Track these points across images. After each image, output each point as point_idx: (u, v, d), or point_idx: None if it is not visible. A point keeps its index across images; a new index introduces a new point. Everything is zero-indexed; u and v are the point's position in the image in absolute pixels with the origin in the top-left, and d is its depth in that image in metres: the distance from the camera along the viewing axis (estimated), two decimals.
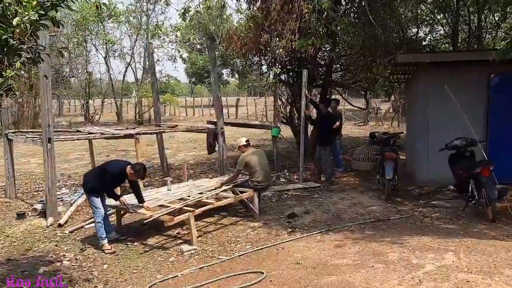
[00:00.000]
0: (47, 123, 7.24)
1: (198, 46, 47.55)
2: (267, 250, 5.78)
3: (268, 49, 10.36)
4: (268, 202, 8.34)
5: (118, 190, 6.94)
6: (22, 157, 14.97)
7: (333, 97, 14.09)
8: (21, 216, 7.61)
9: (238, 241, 6.25)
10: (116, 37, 30.03)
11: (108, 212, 6.70)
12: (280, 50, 9.11)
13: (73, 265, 5.61)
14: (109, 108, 32.21)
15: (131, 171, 6.14)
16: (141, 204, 6.38)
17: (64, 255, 5.97)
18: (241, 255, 5.66)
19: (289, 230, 6.61)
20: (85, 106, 31.44)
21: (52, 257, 5.90)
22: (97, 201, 6.19)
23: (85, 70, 31.52)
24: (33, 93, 23.73)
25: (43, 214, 7.52)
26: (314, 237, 6.18)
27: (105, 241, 6.13)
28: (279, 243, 5.98)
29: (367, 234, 6.22)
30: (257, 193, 7.31)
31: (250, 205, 7.24)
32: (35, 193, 9.61)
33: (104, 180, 6.14)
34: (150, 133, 8.57)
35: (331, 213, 7.45)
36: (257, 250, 5.78)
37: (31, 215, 7.76)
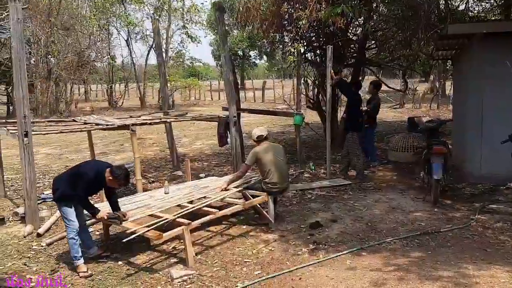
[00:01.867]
0: (22, 114, 6.08)
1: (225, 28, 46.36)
2: (279, 279, 4.44)
3: (291, 22, 8.90)
4: (287, 204, 6.98)
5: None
6: (34, 147, 14.09)
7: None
8: None
9: (246, 262, 4.93)
10: (137, 19, 28.94)
11: (88, 222, 5.51)
12: (303, 21, 7.60)
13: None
14: (135, 93, 31.35)
15: (110, 177, 4.86)
16: (116, 213, 5.08)
17: (30, 278, 4.80)
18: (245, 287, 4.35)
19: (311, 246, 5.24)
20: (108, 91, 30.73)
21: (14, 281, 4.75)
22: (70, 212, 4.96)
23: (108, 54, 30.71)
24: (53, 79, 23.05)
25: (25, 219, 6.43)
26: (342, 260, 4.79)
27: (80, 261, 4.92)
28: (296, 269, 4.62)
29: (413, 258, 4.77)
30: (272, 198, 5.95)
31: (264, 212, 5.90)
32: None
33: (77, 186, 4.89)
34: (149, 124, 7.29)
35: (364, 222, 6.03)
36: (267, 279, 4.45)
37: (11, 220, 6.69)
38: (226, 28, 36.95)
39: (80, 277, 4.79)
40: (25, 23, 22.38)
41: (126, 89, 30.70)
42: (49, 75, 22.49)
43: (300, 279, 4.39)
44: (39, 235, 5.99)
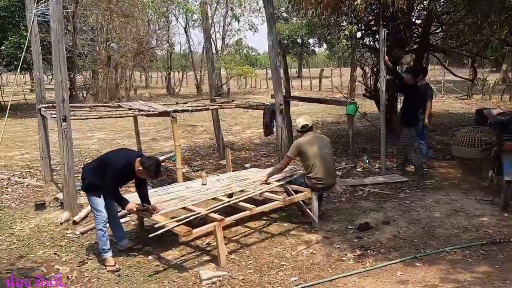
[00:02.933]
0: (60, 98, 5.91)
1: (284, 15, 45.54)
2: None
3: (347, 4, 8.21)
4: (336, 201, 6.41)
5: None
6: (90, 131, 14.40)
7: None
8: (40, 206, 6.48)
9: (283, 266, 4.45)
10: (195, 5, 28.87)
11: (121, 213, 5.26)
12: (359, 1, 6.91)
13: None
14: (193, 80, 31.51)
15: (140, 167, 4.54)
16: (146, 206, 4.77)
17: (58, 269, 4.62)
18: None
19: (358, 252, 4.67)
20: (166, 78, 31.11)
21: (42, 271, 4.58)
22: (98, 202, 4.70)
23: (167, 42, 31.05)
24: (112, 65, 23.56)
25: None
26: (392, 271, 4.19)
27: (108, 254, 4.66)
28: (338, 278, 4.08)
29: (477, 273, 4.07)
30: (317, 194, 5.40)
31: (307, 209, 5.38)
32: (77, 175, 8.56)
33: (105, 176, 4.61)
34: (191, 111, 6.95)
35: (420, 226, 5.35)
36: None
37: (52, 206, 6.62)
38: (285, 15, 36.12)
39: (108, 271, 4.54)
40: (88, 10, 23.09)
41: (184, 76, 30.89)
42: (109, 61, 22.99)
43: None
44: (75, 222, 5.85)
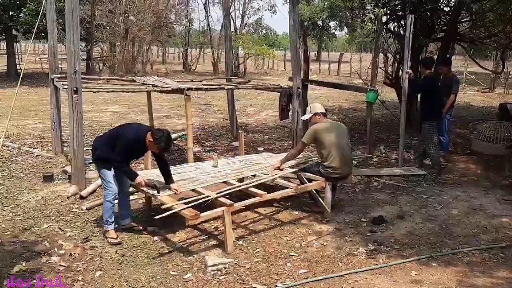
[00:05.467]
0: (72, 69, 5.75)
1: None
2: (327, 284, 3.75)
3: None
4: (349, 191, 6.20)
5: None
6: (104, 103, 14.31)
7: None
8: (48, 178, 6.39)
9: (291, 256, 4.28)
10: None
11: (130, 190, 5.12)
12: None
13: (60, 265, 4.11)
14: (210, 58, 31.22)
15: (150, 139, 4.41)
16: (168, 185, 4.68)
17: (61, 245, 4.51)
18: None
19: (370, 246, 4.47)
20: (183, 54, 30.86)
21: (46, 246, 4.48)
22: (108, 174, 4.58)
23: (186, 17, 30.71)
24: (129, 38, 23.34)
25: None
26: (406, 270, 3.99)
27: (111, 226, 4.60)
28: (349, 274, 3.90)
29: (496, 278, 3.85)
30: (331, 184, 5.19)
31: (320, 199, 5.18)
32: (87, 148, 8.46)
33: (115, 148, 4.49)
34: (205, 89, 6.73)
35: (437, 223, 5.12)
36: (312, 282, 3.78)
37: (60, 178, 6.53)
38: None
39: (109, 242, 4.50)
40: None
41: (201, 53, 30.58)
42: (127, 34, 22.77)
43: (352, 287, 3.67)
44: (82, 197, 5.75)
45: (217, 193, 4.57)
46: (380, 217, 5.13)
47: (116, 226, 4.75)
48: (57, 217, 5.19)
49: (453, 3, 9.73)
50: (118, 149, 4.47)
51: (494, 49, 13.03)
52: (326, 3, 40.85)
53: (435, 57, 9.93)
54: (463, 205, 5.70)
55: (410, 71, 7.24)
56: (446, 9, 10.08)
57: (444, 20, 9.91)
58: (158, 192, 4.58)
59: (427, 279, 3.82)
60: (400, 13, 9.58)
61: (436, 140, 7.04)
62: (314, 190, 5.22)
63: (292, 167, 5.44)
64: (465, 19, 10.59)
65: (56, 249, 4.41)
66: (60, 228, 4.89)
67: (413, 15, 7.29)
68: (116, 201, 4.76)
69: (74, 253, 4.34)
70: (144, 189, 4.69)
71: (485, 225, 5.11)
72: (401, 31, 9.82)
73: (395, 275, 3.89)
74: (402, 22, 9.77)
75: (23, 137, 9.05)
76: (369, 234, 4.79)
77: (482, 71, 14.48)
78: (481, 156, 7.99)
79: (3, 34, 21.68)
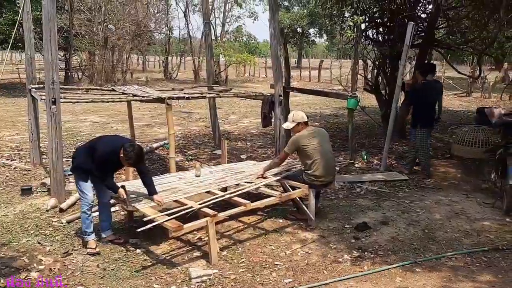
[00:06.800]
0: (50, 80, 5.65)
1: (286, 3, 45.00)
2: None
3: None
4: (333, 198, 6.21)
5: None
6: (83, 113, 14.10)
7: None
8: (26, 191, 6.24)
9: (276, 266, 4.25)
10: None
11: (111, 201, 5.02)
12: None
13: (39, 281, 4.00)
14: (191, 65, 31.13)
15: (121, 154, 4.35)
16: (151, 197, 4.61)
17: (41, 260, 4.40)
18: None
19: (355, 253, 4.48)
20: (164, 62, 30.70)
21: (24, 261, 4.36)
22: (85, 185, 4.52)
23: (166, 26, 30.58)
24: (108, 47, 23.11)
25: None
26: (391, 276, 4.00)
27: (90, 237, 4.55)
28: (334, 282, 3.89)
29: (479, 282, 3.89)
30: (314, 191, 5.19)
31: (304, 206, 5.17)
32: (67, 159, 8.31)
33: (93, 159, 4.43)
34: (187, 98, 6.68)
35: (420, 227, 5.16)
36: None
37: (38, 191, 6.39)
38: (286, 3, 35.77)
39: (88, 253, 4.46)
40: None
41: (182, 61, 30.46)
42: (106, 43, 22.56)
43: None
44: (61, 210, 5.62)
45: (200, 203, 4.52)
46: (363, 223, 5.15)
47: (97, 239, 4.66)
48: (36, 231, 5.06)
49: (429, 10, 9.87)
50: (96, 161, 4.43)
51: (471, 55, 13.25)
52: (305, 11, 41.42)
53: (413, 62, 10.08)
54: (445, 209, 5.76)
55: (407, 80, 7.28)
56: (423, 15, 10.22)
57: (422, 27, 10.04)
58: (127, 207, 4.55)
59: (412, 285, 3.84)
60: (378, 21, 9.69)
61: (428, 147, 7.12)
62: (298, 197, 5.21)
63: (275, 174, 5.42)
64: (442, 25, 10.77)
65: (35, 265, 4.30)
66: (39, 243, 4.77)
67: (413, 23, 7.35)
68: (94, 211, 4.69)
69: (54, 268, 4.24)
70: (123, 204, 4.64)
71: (467, 229, 5.17)
72: (380, 38, 9.93)
73: (380, 282, 3.89)
74: (381, 29, 9.89)
75: (0, 149, 8.84)
76: (353, 240, 4.80)
77: (459, 76, 14.74)
78: (461, 160, 8.12)
79: None
